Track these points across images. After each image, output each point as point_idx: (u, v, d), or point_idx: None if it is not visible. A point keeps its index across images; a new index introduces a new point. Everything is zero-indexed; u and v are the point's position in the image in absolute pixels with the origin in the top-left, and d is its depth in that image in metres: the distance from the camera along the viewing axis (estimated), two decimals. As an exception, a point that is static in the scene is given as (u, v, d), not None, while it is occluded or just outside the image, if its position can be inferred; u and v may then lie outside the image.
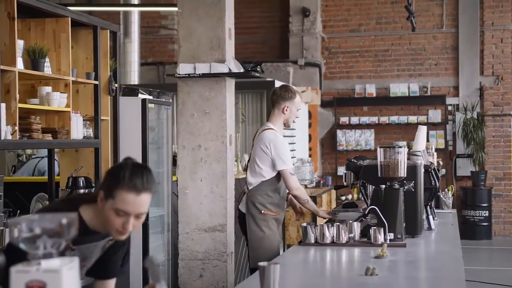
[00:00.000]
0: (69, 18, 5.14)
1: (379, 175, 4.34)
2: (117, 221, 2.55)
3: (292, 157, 10.03)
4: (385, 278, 3.24)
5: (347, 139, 12.80)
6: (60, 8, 5.04)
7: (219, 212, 5.50)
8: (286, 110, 5.15)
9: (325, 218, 4.99)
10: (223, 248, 5.54)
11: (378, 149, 4.37)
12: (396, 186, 4.33)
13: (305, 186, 10.25)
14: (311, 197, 8.97)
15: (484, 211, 12.12)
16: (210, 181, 5.50)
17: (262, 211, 5.07)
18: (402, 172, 4.32)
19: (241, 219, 5.24)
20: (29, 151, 9.02)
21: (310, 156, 11.99)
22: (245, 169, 8.36)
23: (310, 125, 12.28)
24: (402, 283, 3.26)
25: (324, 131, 12.93)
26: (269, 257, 4.59)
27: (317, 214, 5.14)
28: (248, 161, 5.39)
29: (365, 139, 12.72)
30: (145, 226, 6.23)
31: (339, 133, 12.81)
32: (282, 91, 5.22)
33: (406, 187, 4.41)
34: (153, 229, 6.59)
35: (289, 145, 9.93)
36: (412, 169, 4.48)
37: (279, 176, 5.10)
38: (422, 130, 5.51)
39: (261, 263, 2.69)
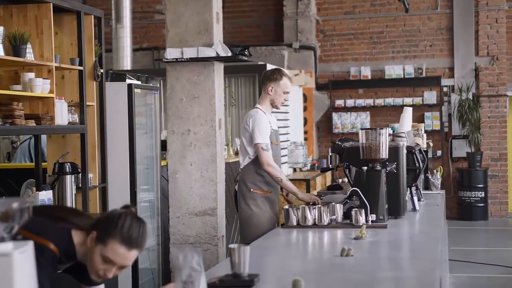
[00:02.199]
0: (51, 3, 5.13)
1: (361, 157, 4.35)
2: (101, 266, 2.60)
3: (285, 141, 10.06)
4: (360, 259, 3.26)
5: (343, 122, 12.79)
6: (41, -6, 5.03)
7: (209, 196, 5.52)
8: (271, 91, 5.26)
9: (305, 201, 4.98)
10: (214, 232, 5.55)
11: (360, 131, 4.38)
12: (378, 167, 4.34)
13: (300, 169, 10.28)
14: (304, 180, 9.08)
15: (480, 192, 12.14)
16: (199, 165, 5.51)
17: (251, 190, 5.19)
18: (384, 154, 4.33)
19: (236, 198, 5.38)
20: (22, 138, 9.03)
21: (306, 139, 12.00)
22: (236, 153, 8.41)
23: (305, 109, 12.27)
24: (375, 263, 3.27)
25: (320, 114, 12.92)
26: (256, 235, 4.67)
27: (296, 195, 5.15)
28: None
29: (360, 121, 12.72)
30: (134, 211, 6.24)
31: (335, 116, 12.81)
32: (269, 72, 5.37)
33: (388, 169, 4.42)
34: (142, 214, 6.60)
35: (283, 128, 9.98)
36: (394, 151, 4.48)
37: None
38: (408, 111, 5.52)
39: (231, 245, 2.71)
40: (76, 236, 2.66)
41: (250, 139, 5.18)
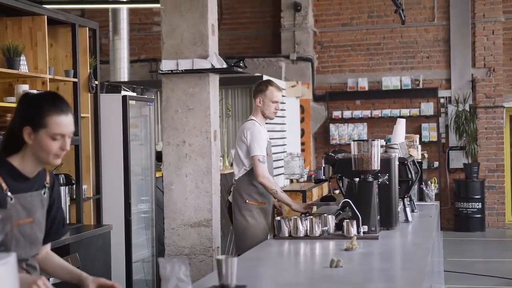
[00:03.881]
0: (45, 16, 5.16)
1: (353, 168, 4.36)
2: (55, 145, 2.69)
3: (282, 152, 10.08)
4: (349, 269, 3.26)
5: (340, 133, 12.81)
6: (35, 7, 5.06)
7: (204, 207, 5.53)
8: (260, 102, 5.38)
9: (299, 212, 5.04)
10: (209, 243, 5.56)
11: (352, 142, 4.39)
12: (370, 179, 4.35)
13: (297, 181, 10.29)
14: (300, 191, 9.08)
15: (477, 203, 12.14)
16: (195, 176, 5.52)
17: (246, 201, 5.27)
18: (376, 165, 4.34)
19: (230, 209, 5.45)
20: None
21: (303, 150, 12.01)
22: (232, 164, 8.42)
23: (302, 120, 12.30)
24: (364, 274, 3.27)
25: (317, 125, 12.94)
26: (252, 246, 4.69)
27: (290, 207, 5.20)
28: None
29: (358, 132, 12.74)
30: (128, 222, 6.26)
31: (332, 127, 12.83)
32: (256, 85, 5.49)
33: (380, 180, 4.43)
34: (137, 225, 6.62)
35: (279, 139, 10.00)
36: (386, 162, 4.50)
37: None
38: (401, 123, 5.53)
39: (218, 256, 2.73)
40: (13, 160, 2.72)
41: (247, 151, 5.22)
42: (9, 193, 2.66)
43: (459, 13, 12.50)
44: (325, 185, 10.68)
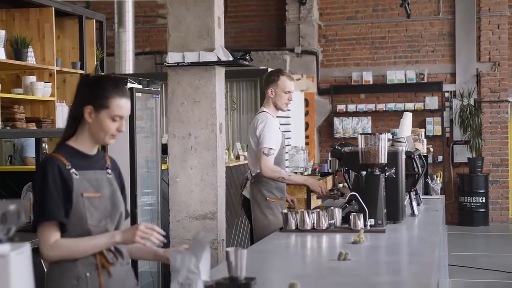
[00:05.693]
0: (53, 8, 5.17)
1: (360, 162, 4.36)
2: (113, 126, 2.82)
3: (287, 145, 10.08)
4: (357, 262, 3.27)
5: (344, 127, 12.82)
6: (43, -2, 5.08)
7: (210, 200, 5.52)
8: (272, 93, 5.25)
9: (315, 190, 5.09)
10: (214, 236, 5.56)
11: (359, 136, 4.39)
12: (377, 172, 4.35)
13: (301, 174, 10.29)
14: (305, 184, 9.07)
15: (481, 197, 12.14)
16: (200, 169, 5.51)
17: (267, 198, 5.17)
18: (383, 159, 4.34)
19: (245, 205, 5.35)
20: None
21: (307, 144, 12.02)
22: (237, 157, 8.42)
23: (307, 113, 12.30)
24: (371, 267, 3.29)
25: (321, 118, 12.94)
26: None
27: (305, 185, 5.27)
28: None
29: (362, 126, 12.74)
30: (133, 214, 6.26)
31: (336, 120, 12.83)
32: (267, 75, 5.38)
33: (387, 174, 4.43)
34: (142, 217, 6.63)
35: (285, 132, 9.99)
36: (393, 156, 4.50)
37: (278, 160, 5.20)
38: (407, 117, 5.53)
39: (228, 248, 2.73)
40: (72, 142, 2.85)
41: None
42: (73, 169, 2.77)
43: (465, 7, 12.47)
44: (330, 178, 10.68)
